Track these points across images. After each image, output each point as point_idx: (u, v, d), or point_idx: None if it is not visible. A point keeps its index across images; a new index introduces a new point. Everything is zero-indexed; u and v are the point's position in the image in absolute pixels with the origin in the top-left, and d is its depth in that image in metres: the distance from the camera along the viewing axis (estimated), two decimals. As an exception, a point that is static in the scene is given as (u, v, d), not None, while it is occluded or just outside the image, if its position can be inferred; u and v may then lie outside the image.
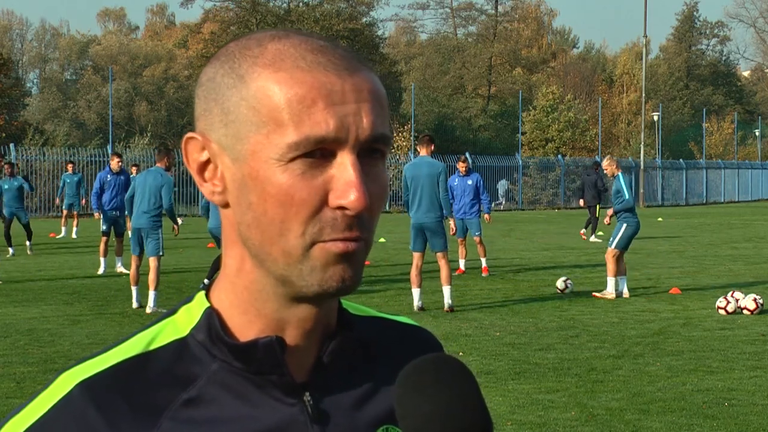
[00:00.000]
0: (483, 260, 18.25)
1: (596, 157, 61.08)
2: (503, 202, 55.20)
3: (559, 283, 15.65)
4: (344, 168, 1.10)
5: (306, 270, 1.12)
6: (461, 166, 18.72)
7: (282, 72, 1.11)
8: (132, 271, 14.01)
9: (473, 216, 18.37)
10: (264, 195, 1.11)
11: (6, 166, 22.47)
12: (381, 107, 1.14)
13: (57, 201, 30.62)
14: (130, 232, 14.33)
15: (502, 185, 55.74)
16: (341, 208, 1.10)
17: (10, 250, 21.95)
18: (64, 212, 28.24)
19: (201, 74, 1.19)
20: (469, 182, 18.42)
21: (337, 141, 1.10)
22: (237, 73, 1.13)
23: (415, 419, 1.05)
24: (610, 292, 15.00)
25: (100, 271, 18.41)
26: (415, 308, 13.56)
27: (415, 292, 13.64)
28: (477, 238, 18.27)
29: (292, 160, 1.10)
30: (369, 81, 1.13)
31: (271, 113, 1.10)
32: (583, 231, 28.55)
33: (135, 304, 13.80)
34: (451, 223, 14.29)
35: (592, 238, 27.56)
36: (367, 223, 1.13)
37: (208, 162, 1.16)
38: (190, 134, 1.17)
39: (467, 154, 49.90)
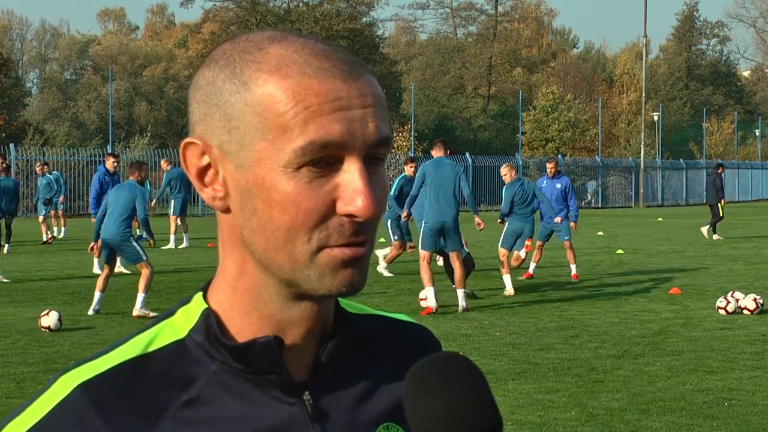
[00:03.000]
0: (573, 266, 17.52)
1: (596, 157, 61.15)
2: (591, 201, 55.80)
3: None
4: (352, 176, 1.11)
5: (314, 276, 1.13)
6: (550, 168, 17.89)
7: (289, 79, 1.10)
8: (100, 278, 13.30)
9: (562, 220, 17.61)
10: (270, 202, 1.11)
11: None
12: (383, 111, 1.14)
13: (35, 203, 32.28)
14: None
15: (591, 185, 56.29)
16: (349, 215, 1.11)
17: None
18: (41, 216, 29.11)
19: (196, 77, 1.18)
20: (558, 186, 17.66)
21: (344, 146, 1.10)
22: (240, 78, 1.12)
23: (424, 419, 1.05)
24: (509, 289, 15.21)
25: (95, 270, 18.39)
26: (433, 308, 13.16)
27: (430, 291, 13.26)
28: (567, 243, 17.48)
29: (299, 168, 1.10)
30: (372, 85, 1.14)
31: (277, 119, 1.10)
32: (706, 228, 29.11)
33: (91, 312, 13.04)
34: (477, 218, 14.15)
35: (714, 236, 28.46)
36: (373, 226, 1.14)
37: (208, 167, 1.16)
38: (188, 139, 1.16)
39: (467, 155, 50.06)
